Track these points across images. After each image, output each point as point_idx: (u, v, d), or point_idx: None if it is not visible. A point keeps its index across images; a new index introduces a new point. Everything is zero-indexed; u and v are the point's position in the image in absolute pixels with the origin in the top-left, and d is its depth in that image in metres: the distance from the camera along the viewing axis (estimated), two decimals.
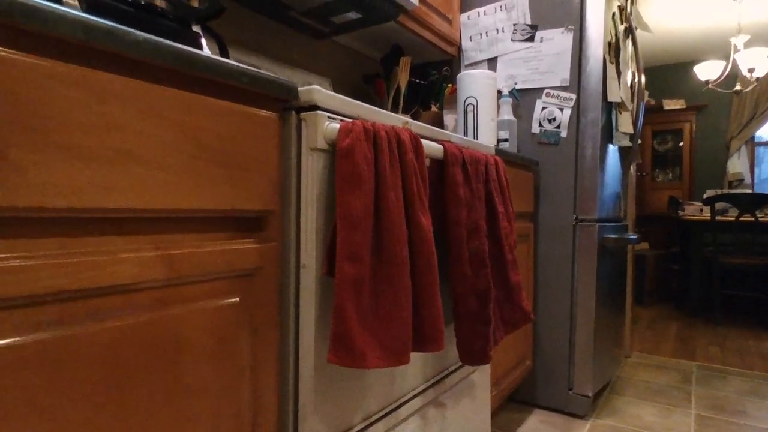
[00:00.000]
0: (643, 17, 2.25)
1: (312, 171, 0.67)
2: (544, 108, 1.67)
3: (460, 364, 1.09)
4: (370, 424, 0.79)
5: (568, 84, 1.62)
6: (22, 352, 0.41)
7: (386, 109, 1.66)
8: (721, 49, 4.29)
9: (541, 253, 1.69)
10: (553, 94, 1.65)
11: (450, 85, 1.73)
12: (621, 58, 1.73)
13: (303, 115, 0.68)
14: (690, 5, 3.43)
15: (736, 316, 3.44)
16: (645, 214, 4.61)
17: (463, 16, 1.82)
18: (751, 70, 3.41)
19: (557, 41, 1.64)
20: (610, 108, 1.70)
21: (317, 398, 0.68)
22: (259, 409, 0.64)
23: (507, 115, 1.64)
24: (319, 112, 0.67)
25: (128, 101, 0.48)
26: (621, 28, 1.75)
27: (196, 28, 0.68)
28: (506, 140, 1.62)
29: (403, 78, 1.64)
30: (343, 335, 0.61)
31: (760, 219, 3.04)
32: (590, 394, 1.61)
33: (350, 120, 0.70)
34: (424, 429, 0.94)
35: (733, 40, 3.41)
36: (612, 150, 1.77)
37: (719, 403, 1.79)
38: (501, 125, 1.62)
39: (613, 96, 1.64)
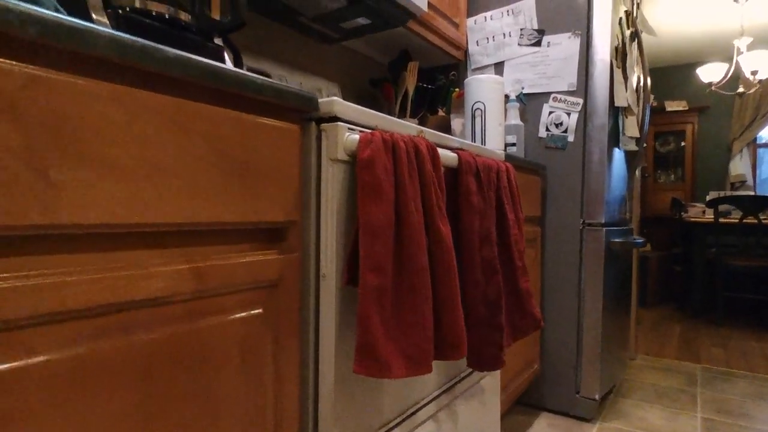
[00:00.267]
0: (648, 20, 2.26)
1: (332, 181, 0.68)
2: (551, 112, 1.67)
3: (470, 370, 1.10)
4: (388, 431, 0.80)
5: (575, 88, 1.63)
6: (58, 368, 0.42)
7: (394, 114, 1.67)
8: (724, 51, 4.29)
9: (548, 257, 1.70)
10: (560, 99, 1.66)
11: (457, 89, 1.74)
12: (627, 63, 1.73)
13: (323, 126, 0.68)
14: (693, 7, 3.44)
15: (738, 317, 3.45)
16: (647, 216, 4.61)
17: (470, 21, 1.83)
18: (754, 73, 3.43)
19: (564, 46, 1.65)
20: (616, 112, 1.71)
21: (337, 406, 0.69)
22: (282, 417, 0.65)
23: (514, 119, 1.64)
24: (339, 123, 0.67)
25: (159, 117, 0.49)
26: (627, 32, 1.75)
27: (217, 41, 0.69)
28: (514, 144, 1.62)
29: (410, 82, 1.64)
30: (369, 345, 0.61)
31: (763, 221, 3.05)
32: (597, 398, 1.62)
33: (369, 131, 0.71)
34: None
35: (736, 43, 3.42)
36: (618, 154, 1.78)
37: (725, 405, 1.80)
38: (508, 129, 1.62)
39: (620, 100, 1.65)
